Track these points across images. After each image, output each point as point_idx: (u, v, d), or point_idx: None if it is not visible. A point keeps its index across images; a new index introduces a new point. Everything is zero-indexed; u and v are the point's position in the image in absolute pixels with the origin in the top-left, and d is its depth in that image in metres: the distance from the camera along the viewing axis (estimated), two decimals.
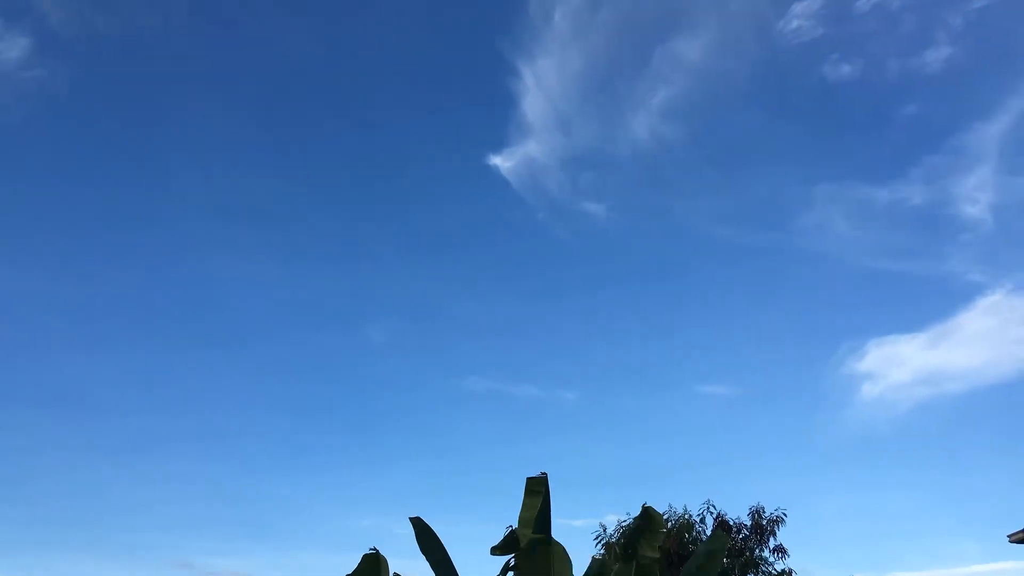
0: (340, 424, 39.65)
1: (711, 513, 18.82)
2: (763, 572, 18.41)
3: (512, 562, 7.29)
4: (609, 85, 41.57)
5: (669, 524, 18.44)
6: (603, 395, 40.96)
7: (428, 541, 7.40)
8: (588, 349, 42.60)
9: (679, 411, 39.88)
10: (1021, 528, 18.00)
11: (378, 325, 41.24)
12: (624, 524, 18.35)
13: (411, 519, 7.50)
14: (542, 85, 39.40)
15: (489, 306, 42.71)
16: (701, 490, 34.84)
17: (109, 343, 38.23)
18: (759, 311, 41.91)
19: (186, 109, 39.48)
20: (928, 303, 41.32)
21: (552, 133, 40.67)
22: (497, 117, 43.40)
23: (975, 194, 38.35)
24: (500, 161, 39.50)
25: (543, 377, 41.23)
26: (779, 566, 18.46)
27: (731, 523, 18.65)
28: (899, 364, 39.34)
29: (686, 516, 18.83)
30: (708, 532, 18.65)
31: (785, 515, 18.66)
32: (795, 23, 38.55)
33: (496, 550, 7.25)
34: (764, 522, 18.58)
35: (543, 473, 7.37)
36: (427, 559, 7.29)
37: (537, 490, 7.25)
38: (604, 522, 19.05)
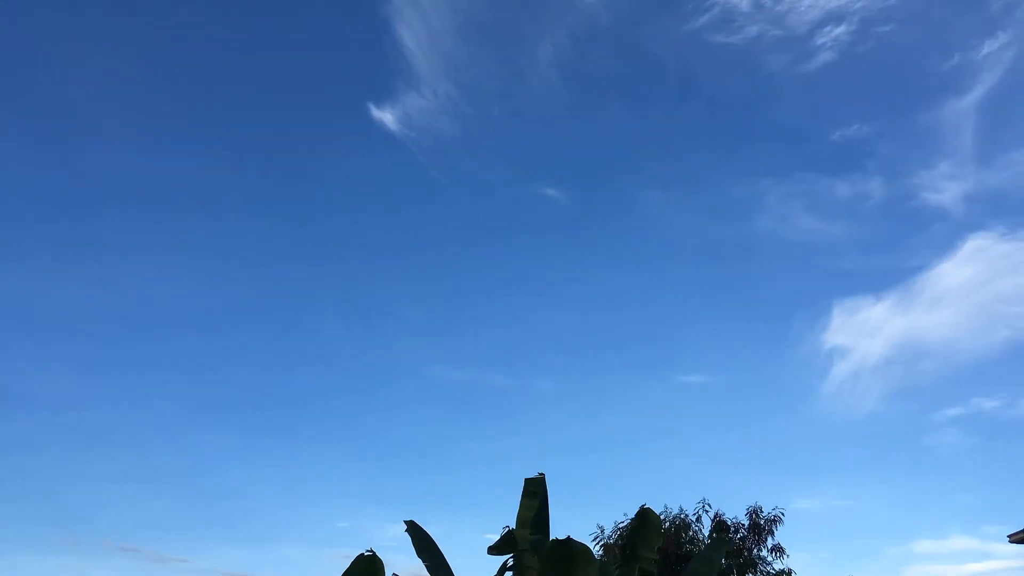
0: (298, 422, 38.85)
1: (707, 512, 18.83)
2: (761, 572, 18.36)
3: (510, 562, 7.23)
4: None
5: (666, 524, 18.39)
6: (584, 386, 40.26)
7: (423, 544, 7.32)
8: (562, 340, 41.84)
9: (665, 403, 39.35)
10: (1021, 528, 17.98)
11: (332, 318, 40.51)
12: (622, 525, 18.31)
13: (406, 522, 7.42)
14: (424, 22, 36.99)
15: (438, 298, 41.62)
16: (688, 481, 34.79)
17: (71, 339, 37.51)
18: (727, 299, 40.92)
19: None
20: (899, 264, 39.32)
21: (442, 84, 38.33)
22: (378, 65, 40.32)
23: (942, 183, 37.46)
24: (390, 120, 37.18)
25: (516, 367, 40.50)
26: (777, 565, 18.44)
27: (729, 523, 18.62)
28: (869, 334, 37.07)
29: (683, 516, 18.80)
30: (705, 531, 18.63)
31: (783, 515, 18.68)
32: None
33: (493, 550, 7.19)
34: (762, 522, 18.55)
35: (540, 474, 7.31)
36: (423, 562, 7.20)
37: (535, 491, 7.19)
38: (601, 523, 19.01)
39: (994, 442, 35.98)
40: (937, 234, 37.91)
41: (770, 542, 18.47)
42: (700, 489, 31.85)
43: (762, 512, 18.64)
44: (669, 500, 19.44)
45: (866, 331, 37.16)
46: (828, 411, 37.40)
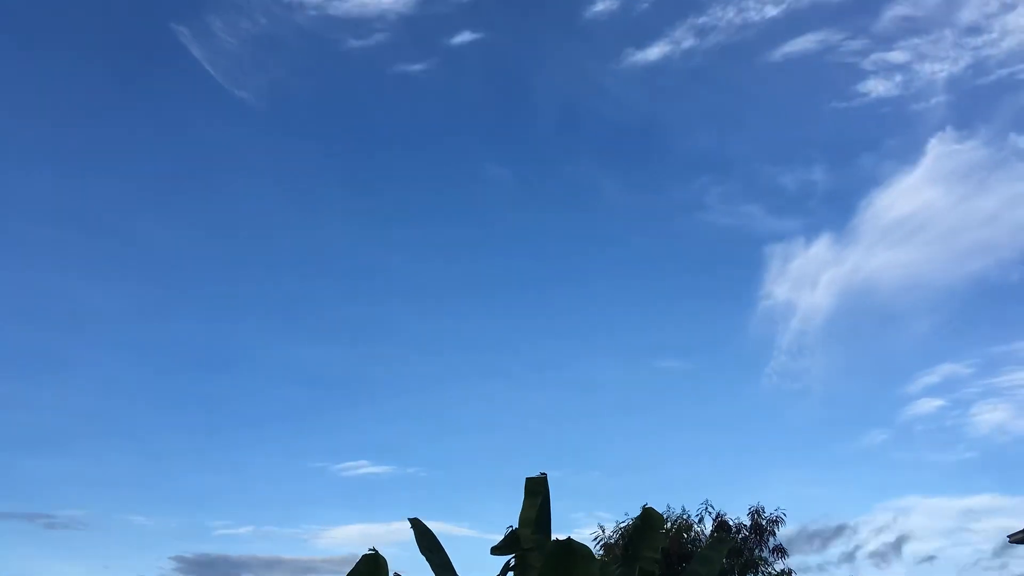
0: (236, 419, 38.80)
1: (710, 513, 18.87)
2: (763, 572, 18.39)
3: (512, 562, 7.25)
4: None
5: (668, 524, 18.42)
6: (568, 377, 40.17)
7: (428, 542, 7.35)
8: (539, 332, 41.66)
9: (647, 393, 39.31)
10: (1021, 528, 18.00)
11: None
12: (623, 525, 18.34)
13: (410, 520, 7.46)
14: None
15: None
16: (685, 476, 34.70)
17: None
18: (682, 282, 41.16)
19: None
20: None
21: None
22: None
23: (876, 167, 36.67)
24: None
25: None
26: (778, 566, 18.48)
27: (731, 523, 18.65)
28: (812, 284, 35.76)
29: (685, 516, 18.83)
30: (707, 532, 18.65)
31: (784, 515, 18.73)
32: None
33: (496, 550, 7.21)
34: (763, 522, 18.60)
35: (542, 474, 7.34)
36: (428, 560, 7.24)
37: (537, 490, 7.21)
38: (603, 523, 19.03)
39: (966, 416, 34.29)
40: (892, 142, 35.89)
41: (772, 542, 18.56)
42: (695, 485, 32.02)
43: (764, 512, 18.71)
44: (672, 500, 19.50)
45: (808, 282, 35.93)
46: (773, 394, 36.69)
